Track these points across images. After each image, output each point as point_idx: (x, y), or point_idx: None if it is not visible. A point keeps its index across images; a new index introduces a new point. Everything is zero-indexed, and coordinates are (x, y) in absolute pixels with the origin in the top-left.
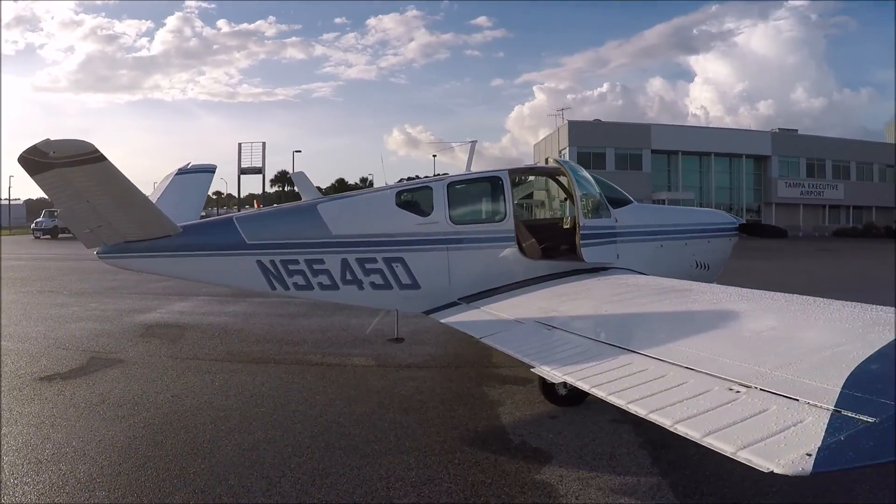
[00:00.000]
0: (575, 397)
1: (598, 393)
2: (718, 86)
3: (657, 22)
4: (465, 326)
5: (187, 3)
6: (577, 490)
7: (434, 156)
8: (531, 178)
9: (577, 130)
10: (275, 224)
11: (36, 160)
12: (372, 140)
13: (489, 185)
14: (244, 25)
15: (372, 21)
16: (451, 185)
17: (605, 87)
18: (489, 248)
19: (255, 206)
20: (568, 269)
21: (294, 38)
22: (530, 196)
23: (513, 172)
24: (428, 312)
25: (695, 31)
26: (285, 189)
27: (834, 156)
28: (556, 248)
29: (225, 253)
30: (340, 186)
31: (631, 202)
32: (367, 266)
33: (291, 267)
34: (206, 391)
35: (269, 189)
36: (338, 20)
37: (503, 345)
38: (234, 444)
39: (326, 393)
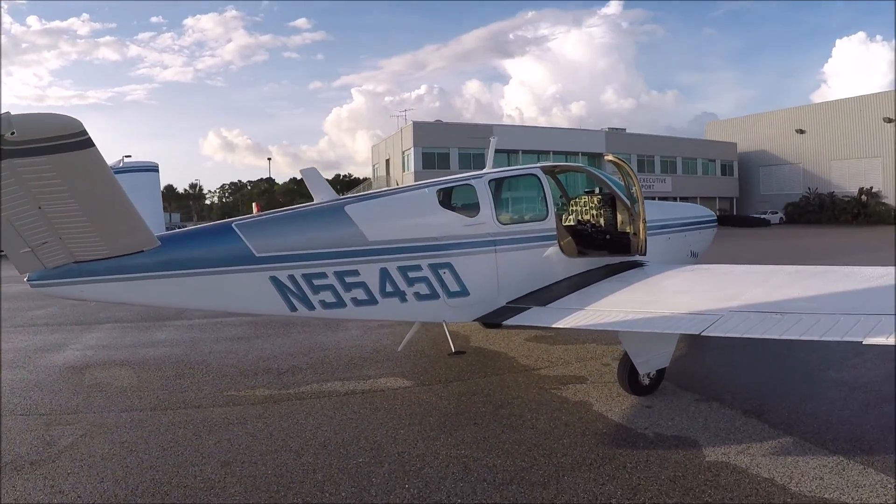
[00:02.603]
0: (655, 385)
1: None
2: (533, 88)
3: (475, 26)
4: (641, 325)
5: None
6: (767, 464)
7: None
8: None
9: (422, 131)
10: (292, 231)
11: None
12: (188, 144)
13: (528, 182)
14: (56, 23)
15: (189, 21)
16: (492, 182)
17: (423, 89)
18: (535, 247)
19: (255, 209)
20: (599, 266)
21: (108, 38)
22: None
23: (545, 170)
24: (483, 320)
25: (511, 35)
26: None
27: (661, 152)
28: (592, 244)
29: (226, 270)
30: (170, 193)
31: None
32: (411, 275)
33: (317, 282)
34: (229, 454)
35: None
36: (154, 19)
37: (770, 333)
38: None
39: (395, 424)
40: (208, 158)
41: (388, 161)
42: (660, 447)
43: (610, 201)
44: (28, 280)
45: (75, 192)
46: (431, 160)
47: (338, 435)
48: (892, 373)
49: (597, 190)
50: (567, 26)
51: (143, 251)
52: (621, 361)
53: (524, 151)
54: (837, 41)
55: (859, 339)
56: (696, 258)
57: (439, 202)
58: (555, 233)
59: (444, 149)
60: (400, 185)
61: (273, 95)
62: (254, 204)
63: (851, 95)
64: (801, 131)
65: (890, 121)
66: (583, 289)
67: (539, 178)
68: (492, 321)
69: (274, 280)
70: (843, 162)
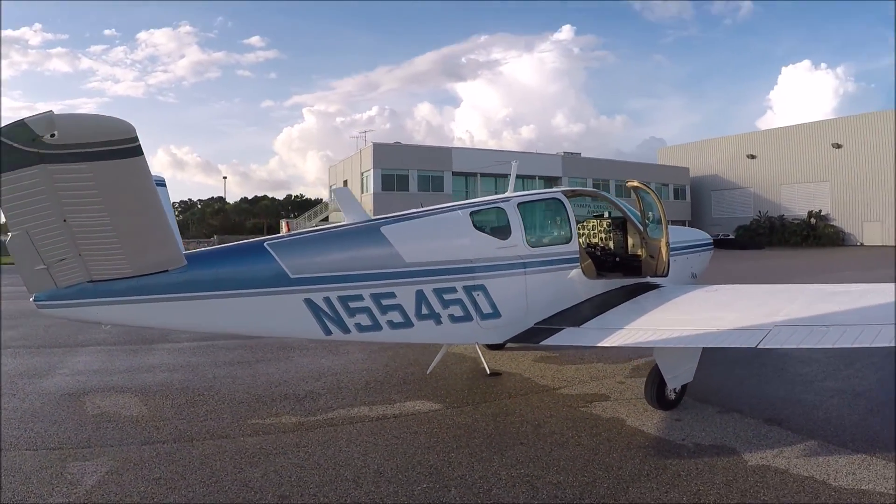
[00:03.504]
0: (678, 400)
1: None
2: (484, 111)
3: (428, 49)
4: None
5: None
6: (803, 465)
7: None
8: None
9: (381, 152)
10: (328, 251)
11: (12, 145)
12: None
13: (552, 205)
14: (8, 32)
15: (143, 35)
16: (521, 206)
17: (375, 110)
18: (560, 269)
19: (285, 228)
20: (616, 287)
21: (60, 49)
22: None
23: (566, 194)
24: (515, 341)
25: (463, 59)
26: None
27: (616, 176)
28: (603, 267)
29: (259, 292)
30: None
31: None
32: (446, 297)
33: (353, 304)
34: (283, 487)
35: None
36: (108, 32)
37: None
38: None
39: (442, 448)
40: (157, 176)
41: (345, 182)
42: (704, 455)
43: (621, 225)
44: (35, 300)
45: (111, 204)
46: (391, 182)
47: (389, 461)
48: (883, 380)
49: (606, 214)
50: (519, 51)
51: (167, 271)
52: (649, 378)
53: (482, 175)
54: (783, 69)
55: None
56: (695, 279)
57: (474, 225)
58: (578, 255)
59: (403, 170)
60: (428, 207)
61: (225, 113)
62: (283, 223)
63: (796, 122)
64: (752, 156)
65: (838, 146)
66: (612, 309)
67: (563, 203)
68: (525, 342)
69: (309, 302)
70: (792, 186)
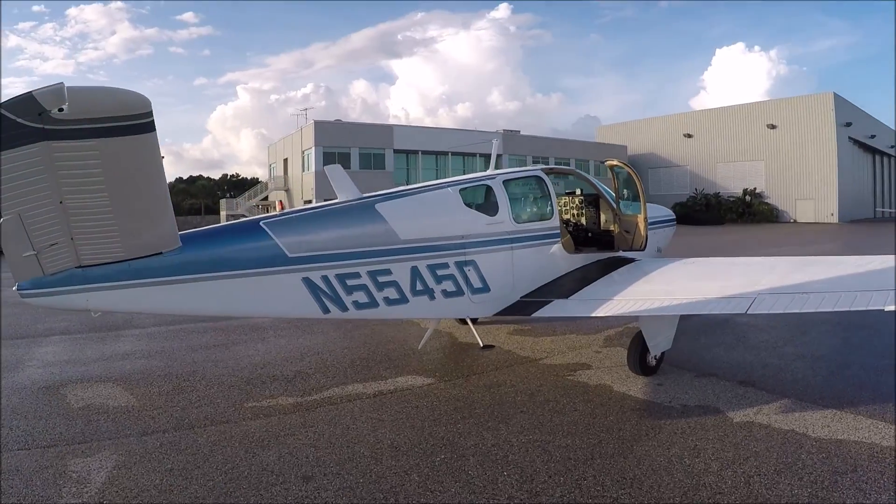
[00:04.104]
0: (657, 366)
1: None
2: (420, 89)
3: (364, 26)
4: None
5: None
6: (783, 420)
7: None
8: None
9: (323, 130)
10: (326, 229)
11: (16, 121)
12: None
13: (534, 182)
14: None
15: (73, 11)
16: (506, 183)
17: (310, 87)
18: (543, 244)
19: (278, 207)
20: (592, 262)
21: None
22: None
23: (545, 171)
24: (504, 314)
25: (399, 36)
26: None
27: (555, 154)
28: (583, 242)
29: (257, 272)
30: None
31: None
32: (439, 273)
33: (350, 282)
34: (303, 468)
35: None
36: (36, 8)
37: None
38: None
39: (447, 419)
40: None
41: (286, 160)
42: (692, 415)
43: (593, 201)
44: (19, 289)
45: (115, 183)
46: (332, 160)
47: (400, 435)
48: (839, 345)
49: (578, 191)
50: (455, 28)
51: (161, 253)
52: (631, 346)
53: (423, 152)
54: (717, 50)
55: (881, 308)
56: (660, 253)
57: (464, 202)
58: (559, 231)
59: (345, 149)
60: (419, 184)
61: (157, 91)
62: (277, 202)
63: (730, 103)
64: (689, 135)
65: (773, 127)
66: (596, 281)
67: (543, 180)
68: (514, 314)
69: (307, 281)
70: (727, 165)
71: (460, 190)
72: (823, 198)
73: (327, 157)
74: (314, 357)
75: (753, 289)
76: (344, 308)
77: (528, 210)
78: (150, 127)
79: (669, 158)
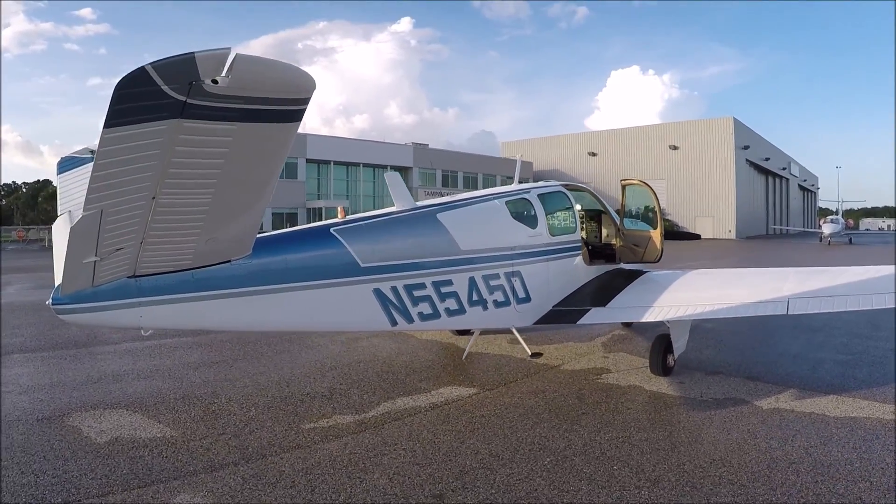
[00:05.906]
0: (672, 367)
1: None
2: (317, 98)
3: (265, 32)
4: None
5: None
6: (802, 405)
7: None
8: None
9: None
10: (393, 239)
11: (160, 88)
12: None
13: (559, 197)
14: None
15: None
16: (540, 197)
17: None
18: (570, 257)
19: (340, 214)
20: (604, 273)
21: None
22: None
23: (566, 187)
24: (542, 323)
25: (300, 45)
26: None
27: (464, 168)
28: (600, 255)
29: (330, 283)
30: None
31: None
32: (492, 283)
33: (417, 293)
34: (440, 485)
35: None
36: None
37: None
38: None
39: (517, 426)
40: None
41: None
42: (727, 406)
43: (596, 217)
44: (54, 303)
45: (228, 178)
46: None
47: (491, 444)
48: (822, 343)
49: (578, 207)
50: (356, 39)
51: (229, 261)
52: (654, 350)
53: (335, 163)
54: (612, 72)
55: (892, 306)
56: None
57: (511, 214)
58: (580, 244)
59: None
60: (465, 195)
61: (49, 90)
62: (339, 208)
63: (623, 125)
64: (593, 154)
65: (675, 148)
66: (623, 290)
67: (567, 195)
68: (555, 322)
69: (377, 293)
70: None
71: (506, 202)
72: (722, 215)
73: None
74: (335, 372)
75: (780, 294)
76: (410, 320)
77: (559, 224)
78: (301, 115)
79: (574, 176)
